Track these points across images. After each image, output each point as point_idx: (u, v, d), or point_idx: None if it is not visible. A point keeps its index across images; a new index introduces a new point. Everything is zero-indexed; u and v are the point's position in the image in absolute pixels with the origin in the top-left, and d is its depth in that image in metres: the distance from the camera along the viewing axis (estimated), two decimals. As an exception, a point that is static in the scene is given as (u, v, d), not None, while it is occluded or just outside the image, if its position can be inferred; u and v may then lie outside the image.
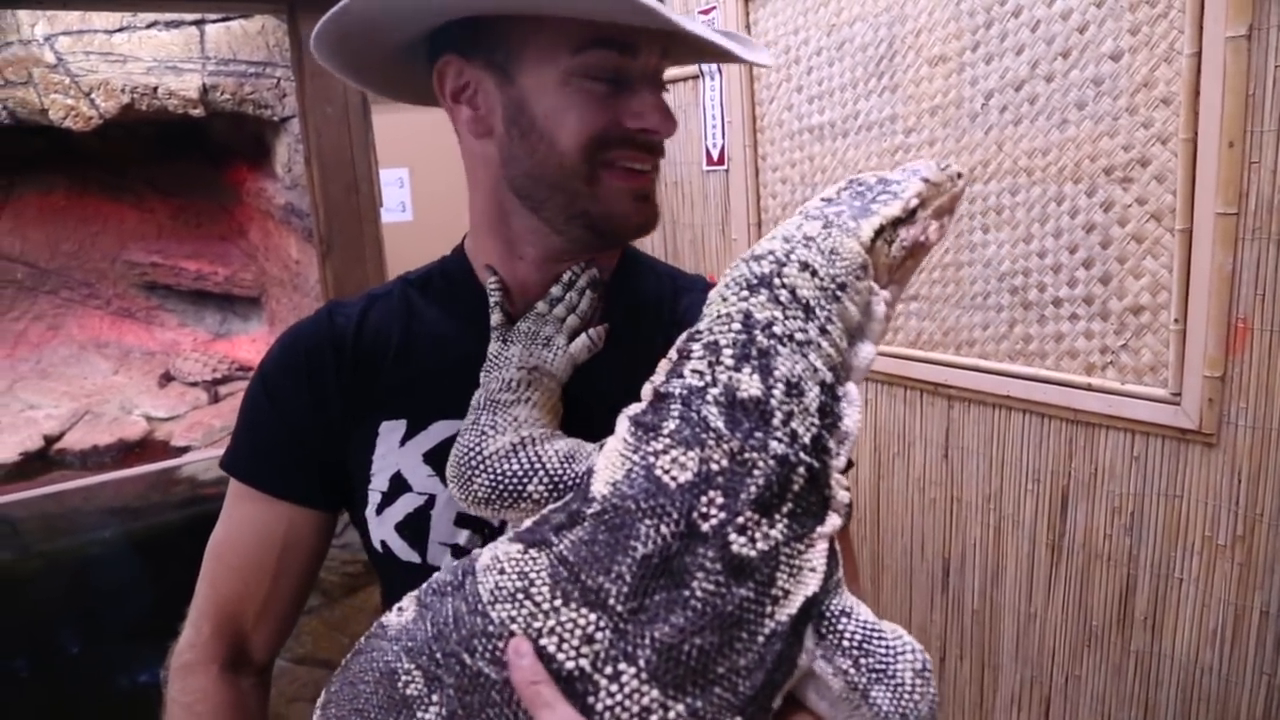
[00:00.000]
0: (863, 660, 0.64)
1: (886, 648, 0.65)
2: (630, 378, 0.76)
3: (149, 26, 3.66)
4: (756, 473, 0.64)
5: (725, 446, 0.64)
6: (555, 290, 0.90)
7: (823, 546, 0.66)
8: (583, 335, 0.88)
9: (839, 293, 0.71)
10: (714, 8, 2.32)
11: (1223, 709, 1.62)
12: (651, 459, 0.65)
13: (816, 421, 0.67)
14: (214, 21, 3.69)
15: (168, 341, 4.64)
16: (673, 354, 0.72)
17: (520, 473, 0.73)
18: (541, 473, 0.73)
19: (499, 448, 0.75)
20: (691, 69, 2.45)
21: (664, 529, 0.62)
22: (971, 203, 1.86)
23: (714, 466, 0.64)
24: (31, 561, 2.86)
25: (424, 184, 3.89)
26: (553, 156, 0.82)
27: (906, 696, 0.63)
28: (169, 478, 3.07)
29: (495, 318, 0.89)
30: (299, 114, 1.96)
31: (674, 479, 0.64)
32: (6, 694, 2.57)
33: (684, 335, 0.73)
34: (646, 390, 0.71)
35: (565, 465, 0.73)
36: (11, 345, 4.38)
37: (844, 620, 0.65)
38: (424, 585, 0.72)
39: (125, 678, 2.66)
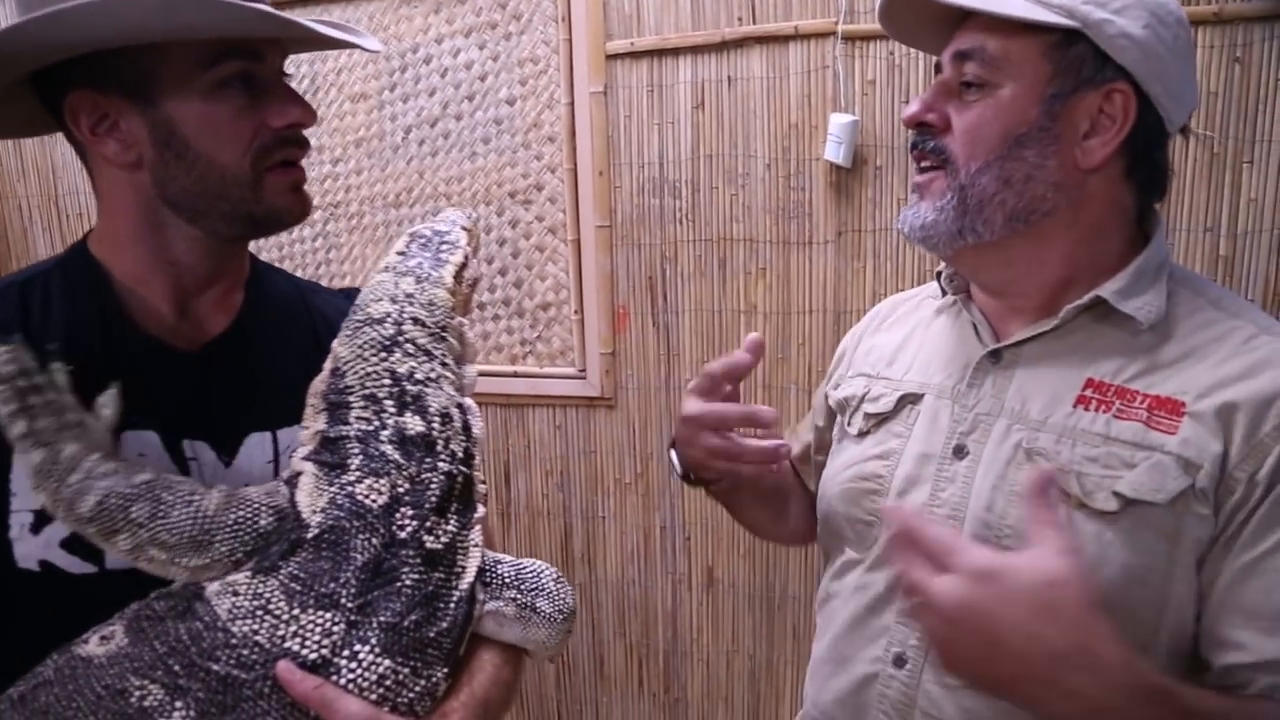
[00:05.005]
0: (522, 585, 0.87)
1: (532, 572, 0.88)
2: (281, 362, 0.91)
3: None
4: (433, 487, 0.82)
5: (406, 473, 0.82)
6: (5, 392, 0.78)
7: (479, 529, 0.87)
8: (104, 397, 0.83)
9: (444, 334, 0.88)
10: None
11: (645, 611, 2.09)
12: (350, 488, 0.79)
13: (465, 438, 0.87)
14: None
15: None
16: (318, 403, 0.84)
17: (249, 516, 0.78)
18: (263, 507, 0.79)
19: (218, 503, 0.78)
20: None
21: (374, 540, 0.78)
22: (400, 225, 2.09)
23: (401, 489, 0.81)
24: None
25: None
26: (214, 171, 0.84)
27: (557, 597, 0.88)
28: None
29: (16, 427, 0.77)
30: None
31: (374, 501, 0.80)
32: None
33: (326, 387, 0.85)
34: (308, 436, 0.83)
35: (270, 495, 0.80)
36: None
37: (499, 566, 0.87)
38: (129, 613, 0.76)
39: None
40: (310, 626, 0.75)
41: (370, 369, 0.84)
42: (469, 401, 0.90)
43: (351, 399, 0.83)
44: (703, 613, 2.04)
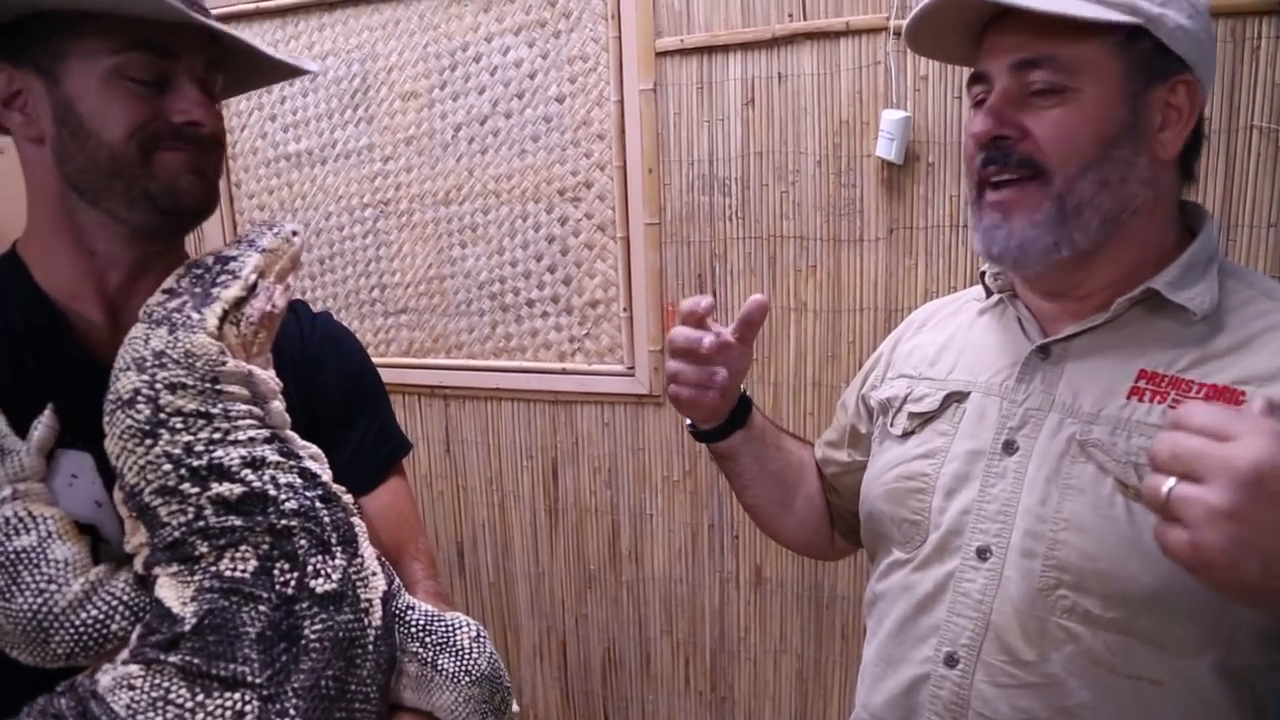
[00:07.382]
0: (428, 639, 0.82)
1: (446, 625, 0.83)
2: None
3: None
4: (295, 530, 0.77)
5: (260, 528, 0.76)
6: None
7: (370, 551, 0.81)
8: (39, 422, 0.82)
9: (216, 385, 0.78)
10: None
11: (692, 609, 2.08)
12: (213, 568, 0.74)
13: (293, 465, 0.79)
14: None
15: None
16: (126, 513, 0.78)
17: (102, 617, 0.75)
18: (122, 608, 0.76)
19: (71, 599, 0.75)
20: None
21: (261, 608, 0.73)
22: (449, 222, 2.11)
23: (265, 546, 0.75)
24: None
25: None
26: (102, 148, 0.85)
27: (468, 655, 0.82)
28: None
29: None
30: None
31: (244, 570, 0.74)
32: None
33: (120, 493, 0.78)
34: (136, 545, 0.78)
35: (139, 593, 0.77)
36: None
37: (410, 613, 0.83)
38: (34, 715, 0.73)
39: None
40: (219, 712, 0.70)
41: (142, 461, 0.75)
42: (278, 430, 0.82)
43: (148, 499, 0.75)
44: (750, 612, 2.03)
